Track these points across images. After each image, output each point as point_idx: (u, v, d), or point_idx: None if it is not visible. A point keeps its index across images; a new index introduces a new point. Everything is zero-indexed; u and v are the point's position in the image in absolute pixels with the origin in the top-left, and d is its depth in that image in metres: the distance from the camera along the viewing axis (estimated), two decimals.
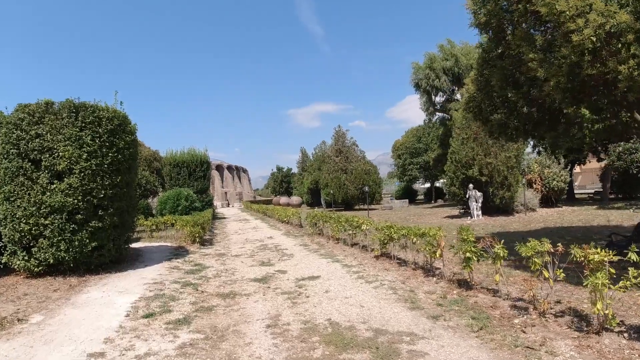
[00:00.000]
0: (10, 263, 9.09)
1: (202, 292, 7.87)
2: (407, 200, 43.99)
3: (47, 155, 9.08)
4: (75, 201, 9.00)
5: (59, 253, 8.90)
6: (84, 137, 9.26)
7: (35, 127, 9.17)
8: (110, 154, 9.59)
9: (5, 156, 9.13)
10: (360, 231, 11.86)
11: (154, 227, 16.99)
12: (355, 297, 7.13)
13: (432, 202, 46.04)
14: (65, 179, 9.09)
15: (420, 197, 55.64)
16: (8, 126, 9.21)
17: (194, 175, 30.04)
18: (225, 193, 65.29)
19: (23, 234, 8.88)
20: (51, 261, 8.89)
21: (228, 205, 61.92)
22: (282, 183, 78.45)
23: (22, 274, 9.27)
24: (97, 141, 9.43)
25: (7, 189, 9.01)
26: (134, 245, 14.99)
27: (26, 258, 8.96)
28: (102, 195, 9.38)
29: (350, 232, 12.40)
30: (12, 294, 7.90)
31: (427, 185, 54.03)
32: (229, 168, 71.25)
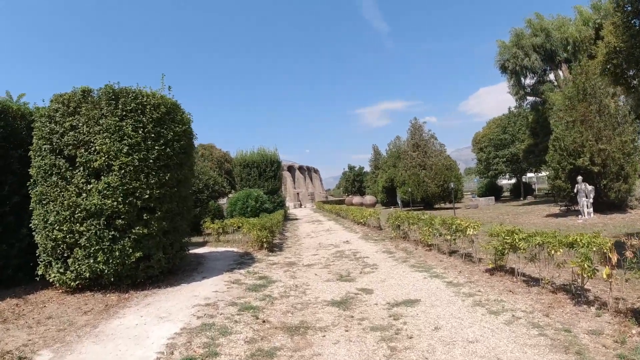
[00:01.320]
0: (47, 276, 7.72)
1: (264, 321, 5.78)
2: (492, 197, 39.58)
3: (83, 151, 7.58)
4: (115, 203, 7.40)
5: (96, 265, 7.34)
6: (124, 128, 7.65)
7: (70, 118, 7.72)
8: (156, 147, 7.91)
9: (38, 153, 7.80)
10: (463, 236, 9.22)
11: (220, 230, 15.54)
12: (485, 342, 4.62)
13: (521, 198, 41.19)
14: (103, 177, 7.55)
15: (506, 193, 50.48)
16: (42, 119, 7.87)
17: (264, 176, 28.72)
18: (298, 194, 64.38)
19: (57, 242, 7.45)
20: (87, 275, 7.36)
21: (300, 205, 60.88)
22: (354, 182, 76.07)
23: (60, 288, 7.87)
24: (140, 132, 7.78)
25: (39, 190, 7.65)
26: (198, 250, 13.56)
27: (61, 270, 7.52)
28: (147, 196, 7.71)
29: (449, 237, 9.78)
30: (36, 315, 6.39)
31: (512, 180, 48.81)
32: (301, 169, 70.36)
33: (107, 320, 6.10)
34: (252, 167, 28.54)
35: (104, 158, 7.47)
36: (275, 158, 29.47)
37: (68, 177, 7.54)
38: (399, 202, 40.92)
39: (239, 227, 14.57)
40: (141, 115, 7.91)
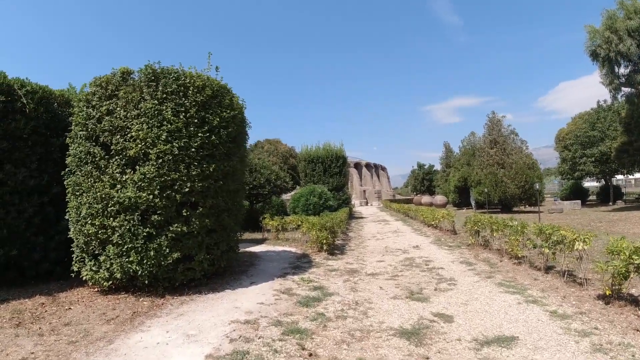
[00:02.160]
0: (81, 273, 6.96)
1: (310, 355, 4.42)
2: (578, 201, 35.13)
3: (119, 137, 6.69)
4: (151, 197, 6.41)
5: (129, 265, 6.41)
6: (164, 112, 6.66)
7: (107, 102, 6.86)
8: (199, 134, 6.84)
9: (74, 140, 7.06)
10: (569, 251, 7.19)
11: (279, 227, 14.51)
12: None
13: (610, 203, 36.29)
14: (138, 167, 6.62)
15: (591, 197, 45.09)
16: (79, 104, 7.11)
17: (329, 172, 27.48)
18: (364, 191, 62.60)
19: (89, 237, 6.62)
20: (118, 275, 6.46)
21: (366, 203, 59.11)
22: (424, 181, 72.72)
23: (93, 286, 7.10)
24: (181, 117, 6.74)
25: (73, 180, 6.89)
26: (254, 248, 12.59)
27: (94, 268, 6.70)
28: (187, 189, 6.66)
29: (547, 250, 7.77)
30: (54, 320, 5.54)
31: (597, 183, 43.39)
32: (367, 166, 68.44)
33: (127, 333, 5.07)
34: (317, 162, 27.42)
35: (140, 146, 6.52)
36: (341, 153, 28.08)
37: (102, 166, 6.69)
38: (473, 203, 37.80)
39: (298, 226, 13.42)
40: (183, 98, 6.87)
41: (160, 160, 6.53)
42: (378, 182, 69.42)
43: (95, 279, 6.67)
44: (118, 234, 6.45)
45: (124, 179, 6.58)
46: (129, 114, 6.73)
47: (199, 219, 6.85)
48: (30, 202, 7.28)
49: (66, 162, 7.08)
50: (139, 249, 6.42)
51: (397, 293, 6.92)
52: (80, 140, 6.85)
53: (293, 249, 12.33)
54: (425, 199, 50.20)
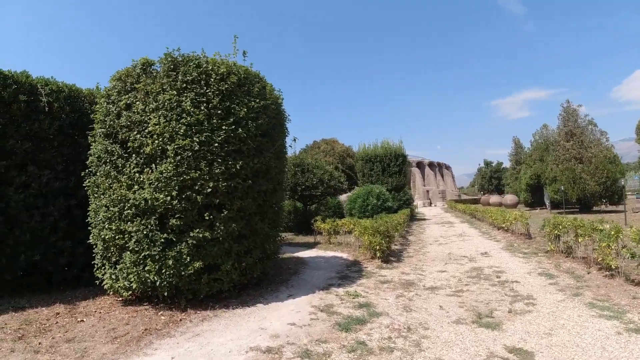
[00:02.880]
0: (103, 281, 6.33)
1: None
2: None
3: (136, 133, 5.97)
4: (169, 198, 5.60)
5: (146, 275, 5.64)
6: (183, 104, 5.84)
7: (126, 96, 6.18)
8: (223, 127, 5.93)
9: (95, 138, 6.45)
10: None
11: (331, 231, 13.42)
12: None
13: None
14: (155, 166, 5.84)
15: None
16: (100, 100, 6.52)
17: (388, 171, 25.89)
18: (427, 191, 59.71)
19: (107, 243, 5.96)
20: (134, 286, 5.71)
21: (430, 204, 56.28)
22: (491, 179, 68.12)
23: (114, 295, 6.45)
24: (202, 108, 5.87)
25: (92, 181, 6.28)
26: (303, 253, 11.63)
27: (114, 277, 6.02)
28: (209, 190, 5.77)
29: None
30: (58, 335, 4.87)
31: None
32: (431, 165, 65.28)
33: (127, 357, 4.24)
34: (375, 161, 25.96)
35: (157, 142, 5.73)
36: (400, 151, 26.37)
37: (120, 165, 6.01)
38: (547, 203, 34.14)
39: (351, 229, 12.25)
40: (205, 87, 6.00)
41: (179, 157, 5.70)
42: (442, 181, 66.05)
43: (115, 288, 5.99)
44: (135, 239, 5.71)
45: (141, 179, 5.84)
46: (147, 108, 5.98)
47: (224, 223, 5.93)
48: (56, 205, 6.83)
49: (87, 162, 6.51)
50: (156, 257, 5.62)
51: (460, 315, 5.52)
52: (100, 139, 6.24)
53: (344, 255, 11.18)
54: (494, 198, 46.62)
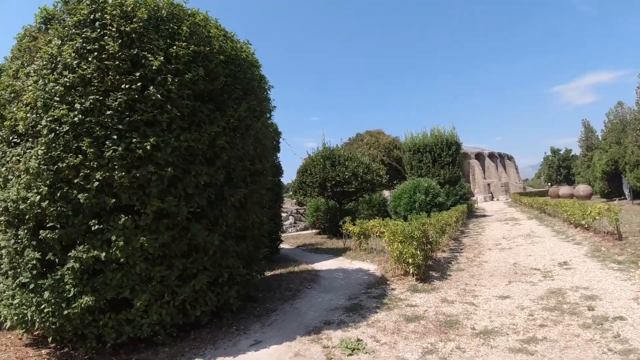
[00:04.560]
0: None
1: None
2: None
3: (13, 106, 3.95)
4: (37, 198, 3.46)
5: (21, 310, 3.56)
6: (64, 53, 3.65)
7: (17, 61, 4.27)
8: (124, 86, 3.66)
9: None
10: None
11: (361, 234, 10.81)
12: None
13: None
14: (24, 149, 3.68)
15: None
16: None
17: (439, 162, 22.44)
18: (488, 185, 54.34)
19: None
20: (8, 324, 3.71)
21: (492, 198, 51.09)
22: (560, 169, 61.08)
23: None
24: (92, 60, 3.64)
25: None
26: (323, 264, 9.25)
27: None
28: (96, 184, 3.53)
29: None
30: None
31: None
32: (491, 156, 59.49)
33: None
34: (424, 152, 22.65)
35: (30, 115, 3.59)
36: (453, 139, 22.75)
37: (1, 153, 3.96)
38: (627, 192, 28.61)
39: (381, 233, 9.57)
40: (98, 30, 3.76)
41: (52, 136, 3.49)
42: (504, 173, 60.08)
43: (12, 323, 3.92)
44: (7, 258, 3.60)
45: (10, 170, 3.71)
46: (27, 70, 3.85)
47: (128, 236, 3.64)
48: None
49: None
50: (31, 285, 3.47)
51: None
52: None
53: (372, 268, 8.57)
54: (564, 189, 40.87)
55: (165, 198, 3.81)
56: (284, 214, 23.44)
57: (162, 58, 3.82)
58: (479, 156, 55.94)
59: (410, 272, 6.96)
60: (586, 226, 12.39)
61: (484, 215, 24.20)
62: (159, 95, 3.74)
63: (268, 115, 5.85)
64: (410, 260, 6.82)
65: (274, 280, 7.82)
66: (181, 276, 4.10)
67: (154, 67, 3.77)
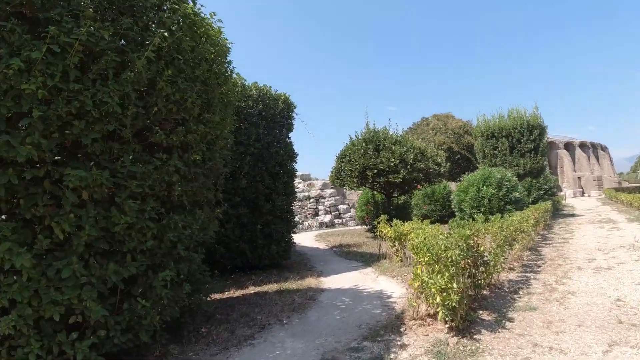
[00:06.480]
0: None
1: None
2: None
3: None
4: None
5: None
6: None
7: None
8: None
9: None
10: None
11: (395, 239, 8.14)
12: None
13: None
14: None
15: None
16: None
17: (519, 149, 18.37)
18: (578, 178, 46.91)
19: None
20: None
21: (582, 194, 44.00)
22: None
23: None
24: None
25: None
26: (338, 278, 7.03)
27: None
28: None
29: None
30: None
31: None
32: (582, 146, 51.23)
33: None
34: (500, 136, 18.73)
35: None
36: (536, 121, 18.43)
37: None
38: None
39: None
40: None
41: None
42: (597, 165, 51.62)
43: None
44: None
45: None
46: None
47: None
48: None
49: None
50: None
51: None
52: None
53: (397, 292, 5.99)
54: None
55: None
56: (344, 206, 21.01)
57: None
58: (569, 146, 48.67)
59: (441, 318, 4.24)
60: None
61: (573, 215, 19.75)
62: None
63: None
64: (438, 300, 4.12)
65: (247, 303, 5.56)
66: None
67: None
